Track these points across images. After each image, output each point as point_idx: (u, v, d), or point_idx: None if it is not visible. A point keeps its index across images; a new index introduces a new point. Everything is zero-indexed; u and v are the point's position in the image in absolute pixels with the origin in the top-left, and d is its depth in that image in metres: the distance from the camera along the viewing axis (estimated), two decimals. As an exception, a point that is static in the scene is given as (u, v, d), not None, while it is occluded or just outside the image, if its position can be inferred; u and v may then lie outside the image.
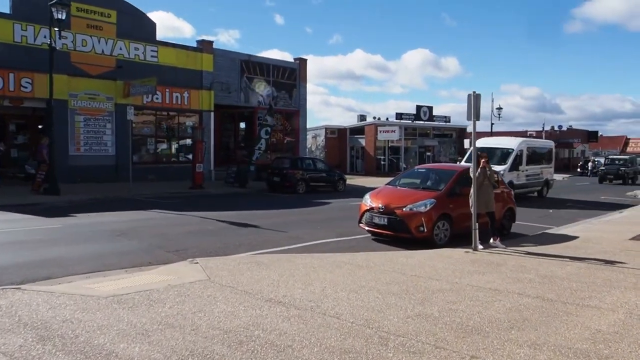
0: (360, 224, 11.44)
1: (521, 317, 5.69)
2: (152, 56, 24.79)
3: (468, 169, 12.11)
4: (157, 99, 24.83)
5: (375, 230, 11.09)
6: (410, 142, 44.85)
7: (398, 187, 11.86)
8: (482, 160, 10.65)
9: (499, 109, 42.88)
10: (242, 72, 28.80)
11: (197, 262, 8.10)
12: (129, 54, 23.94)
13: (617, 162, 40.58)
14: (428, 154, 45.69)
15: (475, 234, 9.87)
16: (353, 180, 31.74)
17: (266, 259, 8.58)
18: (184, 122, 26.91)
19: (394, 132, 39.80)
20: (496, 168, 16.22)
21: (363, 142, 42.97)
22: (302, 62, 32.13)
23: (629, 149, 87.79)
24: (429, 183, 11.93)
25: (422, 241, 10.53)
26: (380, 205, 10.90)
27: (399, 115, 43.53)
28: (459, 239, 10.80)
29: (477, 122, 10.31)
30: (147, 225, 12.39)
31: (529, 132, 64.16)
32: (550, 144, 26.44)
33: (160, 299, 6.03)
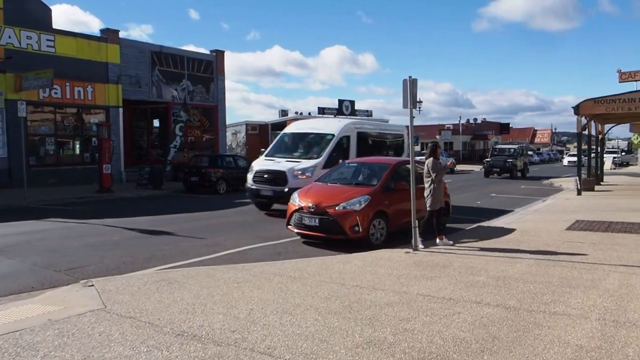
0: (289, 226, 10.28)
1: (489, 334, 4.78)
2: (48, 46, 22.15)
3: (403, 162, 11.31)
4: (55, 93, 22.24)
5: (306, 232, 9.97)
6: (333, 137, 44.23)
7: (329, 184, 10.80)
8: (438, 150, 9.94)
9: (419, 102, 43.25)
10: (154, 65, 26.64)
11: (92, 285, 6.58)
12: (19, 43, 21.19)
13: (506, 152, 34.63)
14: (351, 148, 45.40)
15: (416, 233, 9.02)
16: (277, 178, 30.52)
17: (180, 274, 7.20)
18: (89, 120, 24.38)
19: (317, 127, 38.94)
20: (304, 164, 14.03)
21: (285, 138, 41.80)
22: (219, 55, 30.39)
23: (536, 140, 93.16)
24: (361, 178, 10.99)
25: (357, 242, 9.56)
26: (310, 205, 9.79)
27: (321, 110, 42.82)
28: (395, 237, 9.95)
29: (407, 112, 9.47)
30: (37, 239, 10.50)
31: (446, 126, 65.93)
32: (400, 128, 18.66)
33: (33, 344, 4.54)
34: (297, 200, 10.19)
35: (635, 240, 9.74)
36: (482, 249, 8.96)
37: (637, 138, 51.35)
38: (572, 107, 19.45)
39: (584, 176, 20.92)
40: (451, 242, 9.60)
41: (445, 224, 12.00)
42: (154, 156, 28.03)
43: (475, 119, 68.51)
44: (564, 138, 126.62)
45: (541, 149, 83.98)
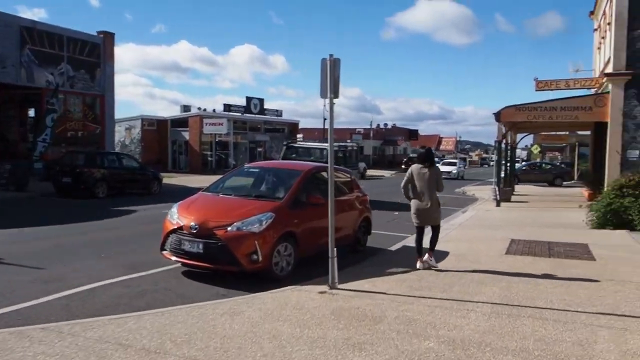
0: (164, 252, 7.58)
1: None
2: None
3: (318, 168, 9.02)
4: None
5: (187, 261, 7.32)
6: (240, 136, 41.39)
7: (220, 195, 8.20)
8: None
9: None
10: (24, 43, 22.44)
11: None
12: None
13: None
14: (259, 149, 42.74)
15: (334, 264, 6.69)
16: (173, 180, 27.30)
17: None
18: None
19: (222, 124, 35.91)
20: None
21: (187, 135, 38.34)
22: (108, 37, 26.54)
23: (441, 147, 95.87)
24: (264, 188, 8.52)
25: (256, 274, 7.12)
26: (193, 224, 7.16)
27: (227, 107, 39.85)
28: (307, 264, 7.64)
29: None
30: None
31: (357, 130, 65.29)
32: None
33: None
34: (175, 217, 7.52)
35: (590, 268, 8.14)
36: (419, 288, 6.83)
37: (536, 148, 53.48)
38: (493, 114, 18.32)
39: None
40: (437, 265, 7.91)
41: (365, 243, 9.96)
42: (24, 151, 23.72)
43: (385, 124, 68.59)
44: (467, 146, 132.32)
45: (446, 156, 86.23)
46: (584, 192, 21.21)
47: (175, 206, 7.84)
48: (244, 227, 6.99)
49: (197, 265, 7.25)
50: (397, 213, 16.55)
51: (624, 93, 16.51)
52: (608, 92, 16.86)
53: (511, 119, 18.42)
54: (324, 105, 40.96)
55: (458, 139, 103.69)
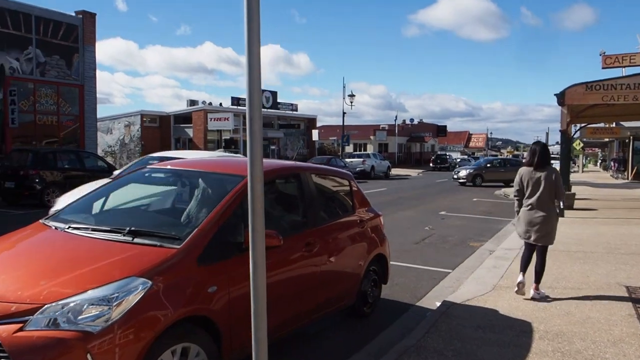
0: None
1: None
2: None
3: (285, 170, 4.92)
4: None
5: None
6: (250, 133, 37.44)
7: (72, 231, 4.02)
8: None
9: (352, 95, 37.43)
10: (-22, 21, 18.92)
11: None
12: None
13: None
14: (272, 147, 38.83)
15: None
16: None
17: None
18: None
19: (228, 119, 32.02)
20: None
21: (191, 132, 34.67)
22: (88, 18, 22.82)
23: (471, 144, 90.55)
24: (153, 217, 4.35)
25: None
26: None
27: (235, 100, 35.99)
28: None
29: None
30: None
31: (381, 126, 61.23)
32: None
33: None
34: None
35: None
36: None
37: (579, 144, 48.17)
38: (555, 95, 13.92)
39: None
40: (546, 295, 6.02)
41: (377, 299, 5.85)
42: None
43: (412, 120, 63.82)
44: (498, 143, 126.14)
45: (476, 153, 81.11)
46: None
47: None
48: (63, 319, 2.89)
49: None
50: (429, 228, 12.31)
51: None
52: None
53: (580, 101, 13.94)
54: (343, 99, 36.87)
55: (489, 135, 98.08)
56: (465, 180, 28.32)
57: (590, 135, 41.61)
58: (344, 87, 37.08)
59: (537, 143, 6.31)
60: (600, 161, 67.68)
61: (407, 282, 7.16)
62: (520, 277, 6.08)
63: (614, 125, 35.67)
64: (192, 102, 38.54)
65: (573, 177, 38.95)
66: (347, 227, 5.19)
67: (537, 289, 6.01)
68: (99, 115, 25.32)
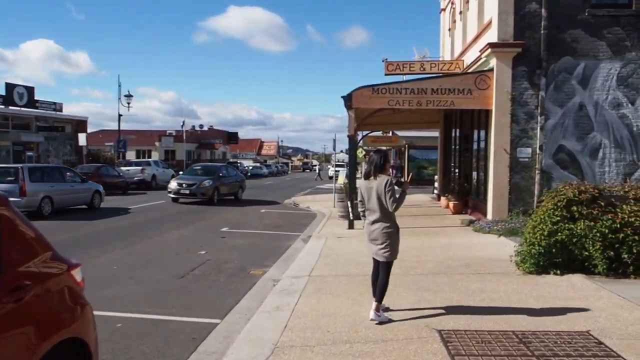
0: None
1: None
2: None
3: None
4: None
5: None
6: (0, 136, 30.61)
7: None
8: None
9: (129, 95, 33.25)
10: None
11: None
12: None
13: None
14: (30, 153, 32.32)
15: None
16: None
17: None
18: None
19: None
20: None
21: None
22: None
23: (263, 152, 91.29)
24: None
25: None
26: None
27: (-24, 95, 28.93)
28: None
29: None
30: None
31: (168, 132, 57.32)
32: None
33: None
34: None
35: None
36: None
37: (362, 152, 51.11)
38: (342, 97, 12.88)
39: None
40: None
41: None
42: None
43: (201, 126, 61.01)
44: (289, 150, 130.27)
45: (268, 161, 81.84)
46: (446, 203, 17.02)
47: None
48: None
49: None
50: (203, 252, 9.98)
51: (512, 71, 12.29)
52: (491, 70, 12.51)
53: (367, 105, 13.12)
54: (119, 99, 32.45)
55: (280, 143, 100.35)
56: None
57: (371, 144, 44.11)
58: (120, 86, 32.92)
59: (378, 151, 5.98)
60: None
61: (148, 354, 4.71)
62: (374, 304, 5.50)
63: (391, 134, 38.05)
64: None
65: (358, 183, 40.02)
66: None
67: (377, 309, 5.46)
68: None
